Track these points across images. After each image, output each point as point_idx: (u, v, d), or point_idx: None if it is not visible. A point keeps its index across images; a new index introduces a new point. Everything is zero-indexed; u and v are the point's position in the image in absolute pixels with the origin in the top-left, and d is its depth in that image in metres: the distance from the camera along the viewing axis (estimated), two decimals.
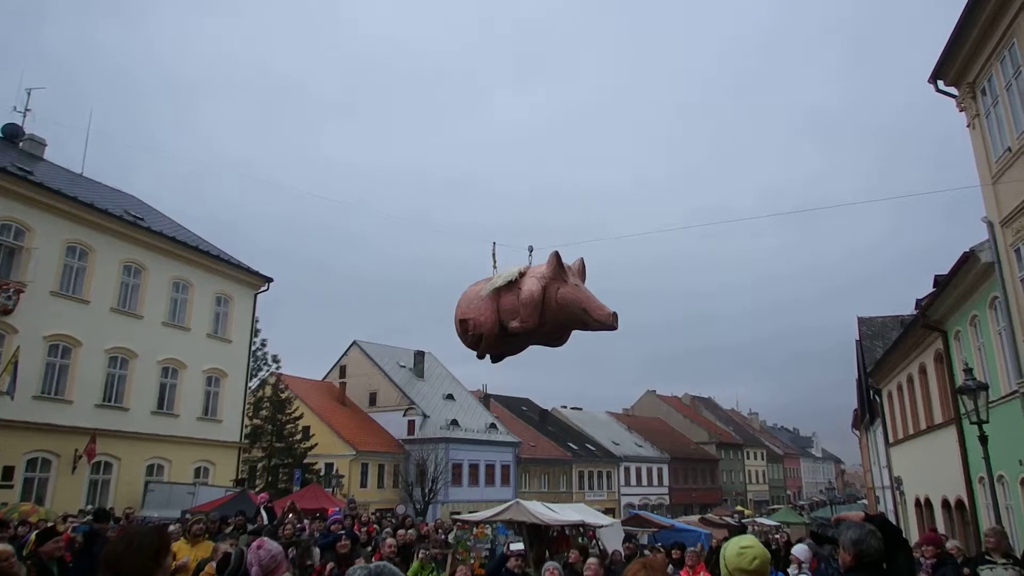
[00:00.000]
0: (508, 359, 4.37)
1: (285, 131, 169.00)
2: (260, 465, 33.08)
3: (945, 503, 17.20)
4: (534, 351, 4.27)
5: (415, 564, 9.77)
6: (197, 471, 23.41)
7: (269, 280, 27.40)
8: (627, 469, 56.87)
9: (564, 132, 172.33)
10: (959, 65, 12.55)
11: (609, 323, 3.80)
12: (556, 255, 3.92)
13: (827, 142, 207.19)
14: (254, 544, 3.89)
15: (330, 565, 9.49)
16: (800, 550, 9.12)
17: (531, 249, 4.29)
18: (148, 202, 27.23)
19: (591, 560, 9.04)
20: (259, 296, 27.47)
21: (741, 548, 2.82)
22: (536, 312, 3.86)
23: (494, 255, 4.27)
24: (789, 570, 9.16)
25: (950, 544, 10.21)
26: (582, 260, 4.09)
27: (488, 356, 4.25)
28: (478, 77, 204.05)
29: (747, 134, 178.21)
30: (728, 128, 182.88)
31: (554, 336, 4.16)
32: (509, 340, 4.15)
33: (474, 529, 17.78)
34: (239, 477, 25.15)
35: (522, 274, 4.04)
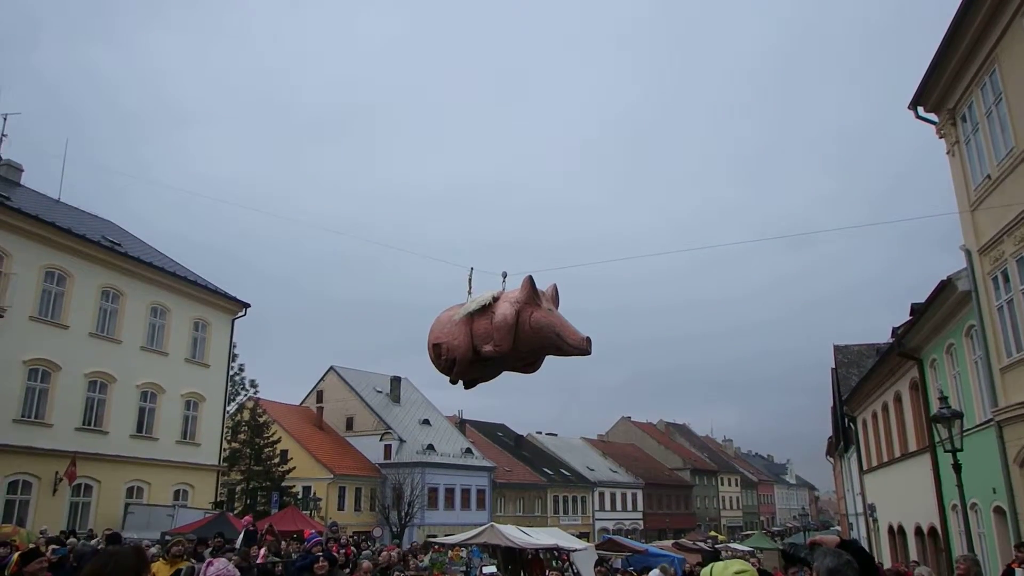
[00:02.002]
0: (484, 385, 4.40)
1: (270, 154, 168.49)
2: (239, 488, 33.00)
3: (918, 530, 17.11)
4: (510, 377, 4.37)
5: None
6: (176, 493, 23.46)
7: (246, 305, 27.70)
8: (601, 494, 57.26)
9: (551, 152, 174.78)
10: (939, 91, 12.31)
11: (583, 348, 3.79)
12: (530, 279, 3.91)
13: (819, 168, 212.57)
14: (205, 563, 4.24)
15: None
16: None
17: (505, 275, 4.24)
18: (132, 227, 27.51)
19: None
20: (236, 321, 27.73)
21: (736, 572, 2.77)
22: (509, 336, 3.83)
23: (470, 281, 4.33)
24: None
25: (920, 570, 10.27)
26: (555, 286, 4.07)
27: (462, 382, 4.30)
28: (462, 99, 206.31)
29: (735, 156, 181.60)
30: (715, 150, 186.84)
31: (528, 361, 4.14)
32: (482, 365, 4.11)
33: (449, 552, 18.25)
34: (218, 500, 25.19)
35: (495, 299, 4.01)
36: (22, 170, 24.08)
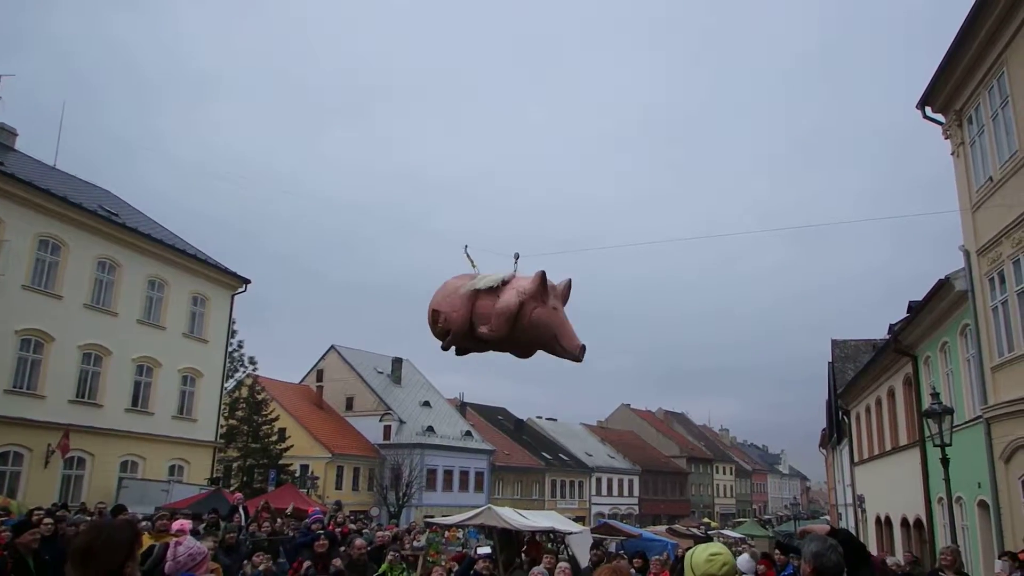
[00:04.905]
0: (486, 369, 4.53)
1: (284, 131, 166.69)
2: (235, 465, 32.92)
3: (904, 521, 17.61)
4: (512, 363, 4.48)
5: (384, 565, 10.01)
6: (172, 469, 23.27)
7: (246, 281, 27.36)
8: (599, 479, 57.54)
9: (569, 142, 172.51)
10: (947, 93, 12.47)
11: (575, 356, 3.82)
12: (542, 275, 3.86)
13: (823, 163, 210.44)
14: (174, 541, 4.05)
15: (307, 564, 9.71)
16: (743, 561, 9.39)
17: (517, 256, 4.24)
18: (142, 197, 27.06)
19: (562, 564, 9.48)
20: (236, 297, 27.41)
21: (711, 555, 2.86)
22: (507, 325, 3.85)
23: (469, 258, 4.30)
24: None
25: (891, 560, 10.70)
26: (569, 282, 4.03)
27: (453, 349, 4.27)
28: (483, 84, 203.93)
29: (741, 153, 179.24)
30: (723, 147, 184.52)
31: (520, 350, 4.15)
32: (476, 341, 4.12)
33: (446, 532, 18.11)
34: (214, 476, 25.06)
35: (505, 282, 3.99)
36: (16, 134, 23.39)
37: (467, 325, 4.01)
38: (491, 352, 4.32)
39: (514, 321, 3.85)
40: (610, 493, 58.61)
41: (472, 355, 4.43)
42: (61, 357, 19.98)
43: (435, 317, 4.13)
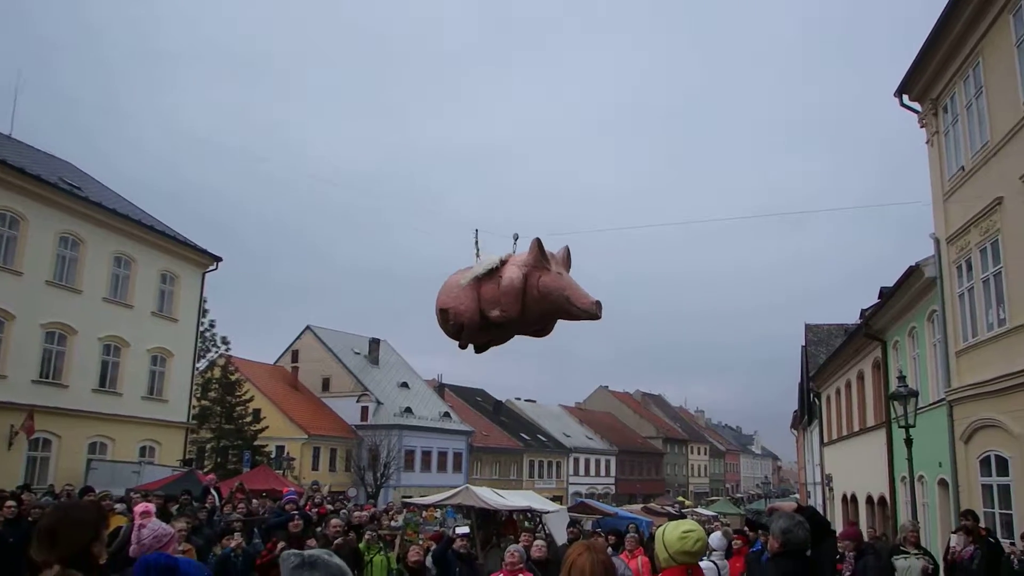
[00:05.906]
0: (464, 351, 4.25)
1: (263, 108, 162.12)
2: (209, 446, 32.45)
3: (869, 499, 18.24)
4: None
5: (361, 545, 9.86)
6: (142, 450, 22.73)
7: (218, 259, 26.68)
8: (576, 460, 58.21)
9: (561, 130, 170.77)
10: (924, 81, 12.56)
11: (592, 311, 3.71)
12: (538, 242, 3.80)
13: (804, 149, 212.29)
14: (138, 523, 3.89)
15: (281, 544, 9.51)
16: (715, 538, 9.50)
17: (516, 237, 4.16)
18: (143, 166, 26.11)
19: (538, 541, 9.42)
20: (208, 275, 26.75)
21: (683, 532, 2.86)
22: (517, 301, 3.76)
23: (476, 244, 4.17)
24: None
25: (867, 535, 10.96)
26: (567, 249, 3.97)
27: (472, 346, 4.14)
28: (480, 68, 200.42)
29: (723, 139, 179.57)
30: (707, 133, 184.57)
31: (537, 326, 4.07)
32: (491, 330, 4.02)
33: (424, 512, 18.06)
34: (186, 457, 24.63)
35: (503, 262, 3.93)
36: None
37: (477, 315, 3.89)
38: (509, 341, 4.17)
39: (523, 296, 3.75)
40: (587, 473, 59.34)
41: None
42: (23, 336, 19.24)
43: (444, 316, 4.01)
